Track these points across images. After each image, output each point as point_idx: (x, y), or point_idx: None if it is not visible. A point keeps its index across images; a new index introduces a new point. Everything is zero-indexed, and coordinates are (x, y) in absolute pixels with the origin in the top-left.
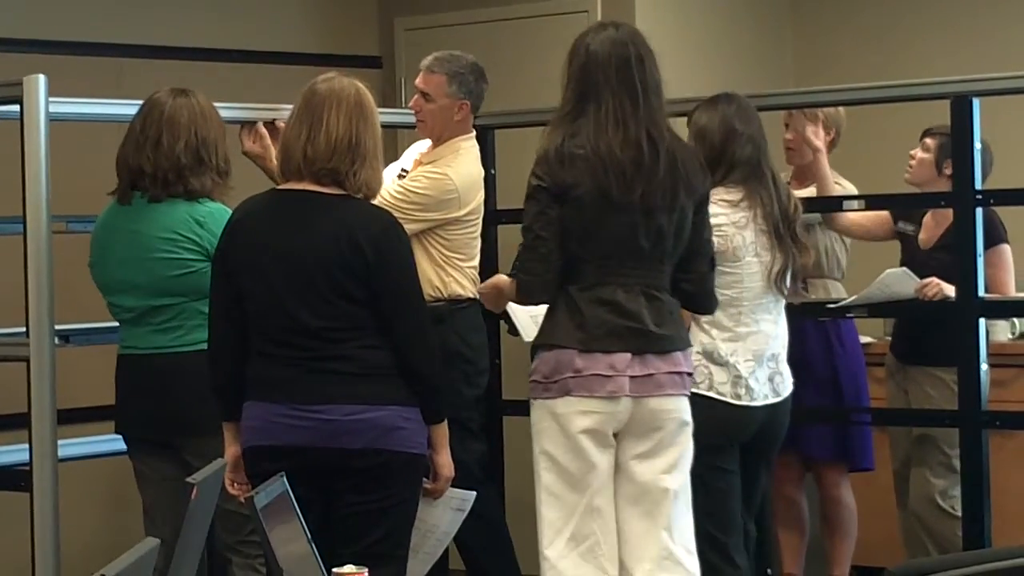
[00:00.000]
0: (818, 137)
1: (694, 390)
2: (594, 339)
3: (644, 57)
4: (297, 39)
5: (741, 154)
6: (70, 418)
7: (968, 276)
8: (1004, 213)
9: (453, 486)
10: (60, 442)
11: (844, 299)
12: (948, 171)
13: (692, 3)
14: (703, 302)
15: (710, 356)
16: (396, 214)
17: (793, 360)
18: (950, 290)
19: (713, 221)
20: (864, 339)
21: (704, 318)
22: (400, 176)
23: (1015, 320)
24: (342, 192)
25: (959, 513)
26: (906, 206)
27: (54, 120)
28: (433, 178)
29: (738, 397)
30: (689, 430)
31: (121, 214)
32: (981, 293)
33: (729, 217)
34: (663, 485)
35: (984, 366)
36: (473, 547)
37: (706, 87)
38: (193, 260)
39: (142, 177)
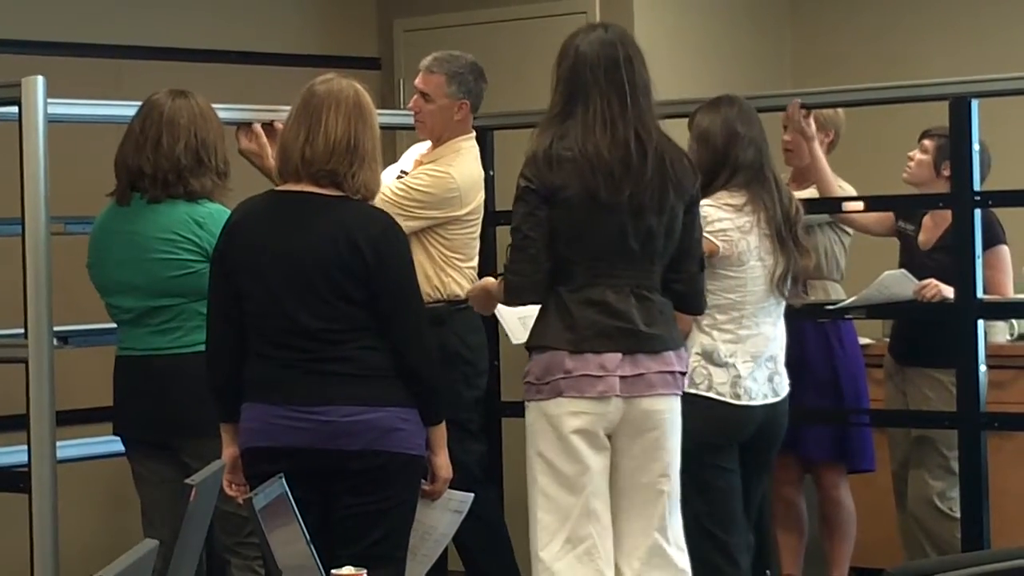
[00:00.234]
0: (809, 126)
1: (694, 391)
2: (584, 340)
3: (633, 58)
4: (296, 40)
5: (744, 157)
6: (69, 419)
7: (967, 277)
8: (1002, 214)
9: (453, 487)
10: (59, 443)
11: (843, 300)
12: (946, 172)
13: (690, 4)
14: (694, 302)
15: (710, 357)
16: (398, 211)
17: (792, 361)
18: (949, 291)
19: (718, 226)
20: (863, 340)
21: (705, 320)
22: (399, 178)
23: (1014, 322)
24: (340, 193)
25: (957, 515)
26: (905, 207)
27: (52, 121)
28: (435, 176)
29: (737, 397)
30: (680, 430)
31: (119, 215)
32: (980, 295)
33: (734, 222)
34: (657, 487)
35: (983, 368)
36: (472, 548)
37: (705, 88)
38: (192, 261)
39: (142, 178)
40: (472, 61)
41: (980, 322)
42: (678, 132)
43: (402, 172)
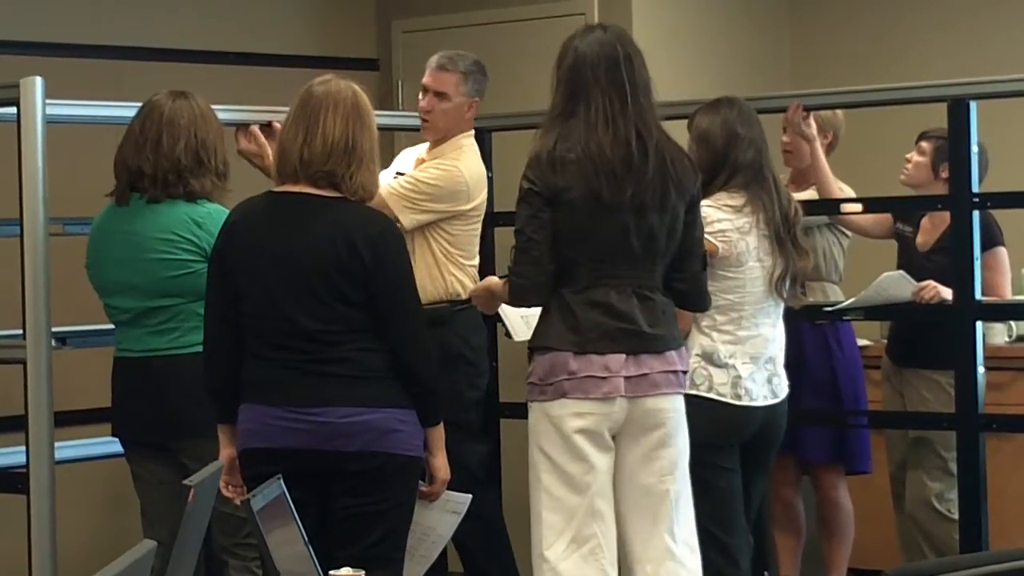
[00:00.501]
0: (810, 127)
1: (694, 392)
2: (588, 341)
3: (632, 56)
4: (295, 42)
5: (743, 158)
6: (67, 420)
7: (965, 279)
8: (999, 216)
9: (455, 488)
10: (57, 444)
11: (841, 302)
12: (944, 174)
13: (689, 5)
14: (697, 301)
15: (709, 358)
16: (406, 204)
17: (791, 363)
18: (947, 293)
19: (717, 227)
20: (861, 342)
21: (704, 322)
22: (397, 176)
23: (1012, 323)
24: (338, 194)
25: (955, 516)
26: (903, 209)
27: (51, 122)
28: (444, 169)
29: (738, 397)
30: (685, 428)
31: (118, 215)
32: (978, 296)
33: (733, 223)
34: (664, 486)
35: (981, 369)
36: (473, 548)
37: (703, 90)
38: (191, 261)
39: (141, 178)
40: (477, 59)
41: (978, 324)
42: (677, 133)
43: (398, 173)
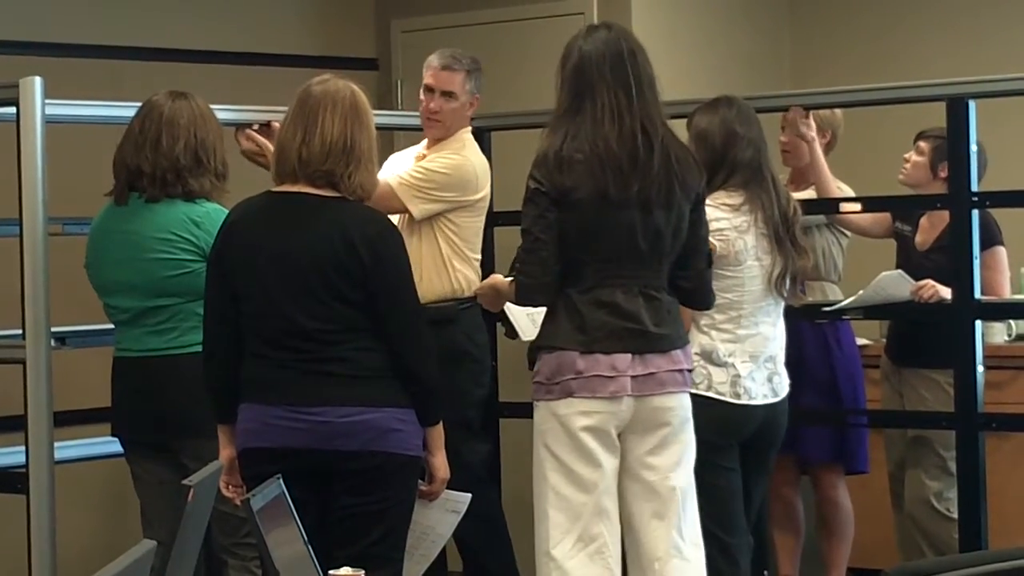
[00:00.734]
0: (810, 129)
1: (694, 391)
2: (595, 341)
3: (636, 52)
4: (294, 41)
5: (742, 157)
6: (66, 420)
7: (964, 278)
8: (998, 215)
9: (458, 487)
10: (56, 444)
11: (840, 301)
12: (943, 174)
13: (688, 4)
14: (702, 299)
15: (708, 357)
16: (416, 193)
17: (790, 362)
18: (946, 292)
19: (715, 225)
20: (860, 341)
21: (704, 320)
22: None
23: (1011, 322)
24: (337, 194)
25: (954, 515)
26: (902, 208)
27: (50, 122)
28: (452, 159)
29: (737, 396)
30: (691, 426)
31: (117, 215)
32: (977, 295)
33: (731, 221)
34: (670, 483)
35: (980, 368)
36: (475, 547)
37: (703, 89)
38: (189, 260)
39: (140, 177)
40: (474, 56)
41: (978, 323)
42: (677, 132)
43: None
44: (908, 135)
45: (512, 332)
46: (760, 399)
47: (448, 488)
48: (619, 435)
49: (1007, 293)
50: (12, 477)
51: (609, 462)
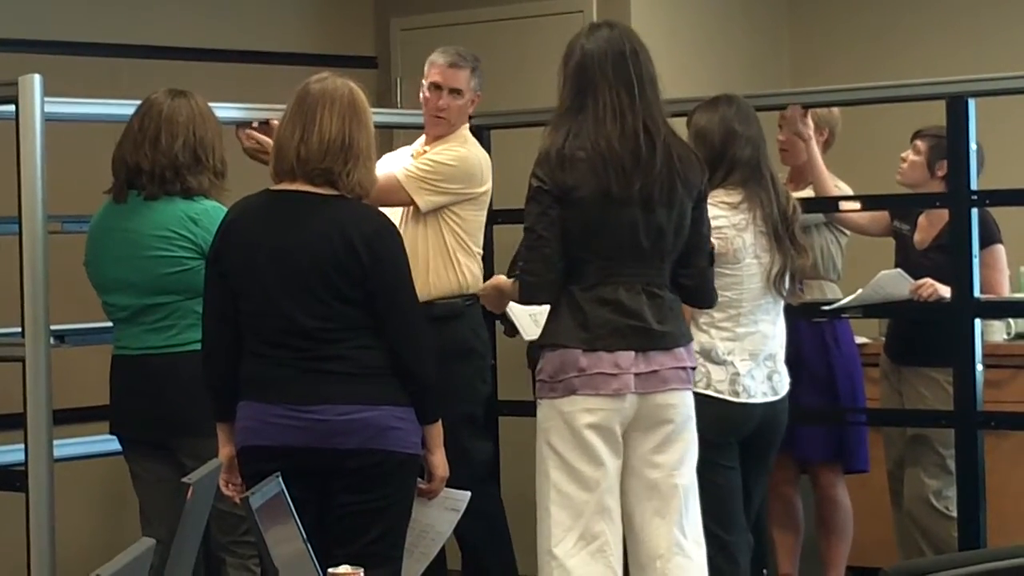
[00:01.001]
0: (808, 127)
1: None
2: (598, 338)
3: (639, 51)
4: (293, 39)
5: (741, 155)
6: (66, 418)
7: (963, 277)
8: (997, 214)
9: (461, 484)
10: (56, 442)
11: (839, 300)
12: (940, 172)
13: (688, 3)
14: (703, 297)
15: (708, 355)
16: (422, 185)
17: (789, 361)
18: (945, 291)
19: (713, 223)
20: (859, 340)
21: (703, 319)
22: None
23: (1010, 321)
24: (335, 192)
25: (953, 513)
26: (902, 206)
27: (49, 120)
28: (458, 151)
29: (736, 394)
30: (694, 424)
31: (116, 213)
32: (977, 294)
33: (729, 219)
34: (673, 481)
35: (979, 367)
36: (475, 545)
37: (702, 87)
38: (187, 258)
39: (139, 175)
40: (476, 55)
41: (977, 321)
42: (677, 131)
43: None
44: (907, 133)
45: (512, 330)
46: (759, 397)
47: (452, 485)
48: (623, 433)
49: (1006, 291)
50: (11, 475)
51: (612, 461)
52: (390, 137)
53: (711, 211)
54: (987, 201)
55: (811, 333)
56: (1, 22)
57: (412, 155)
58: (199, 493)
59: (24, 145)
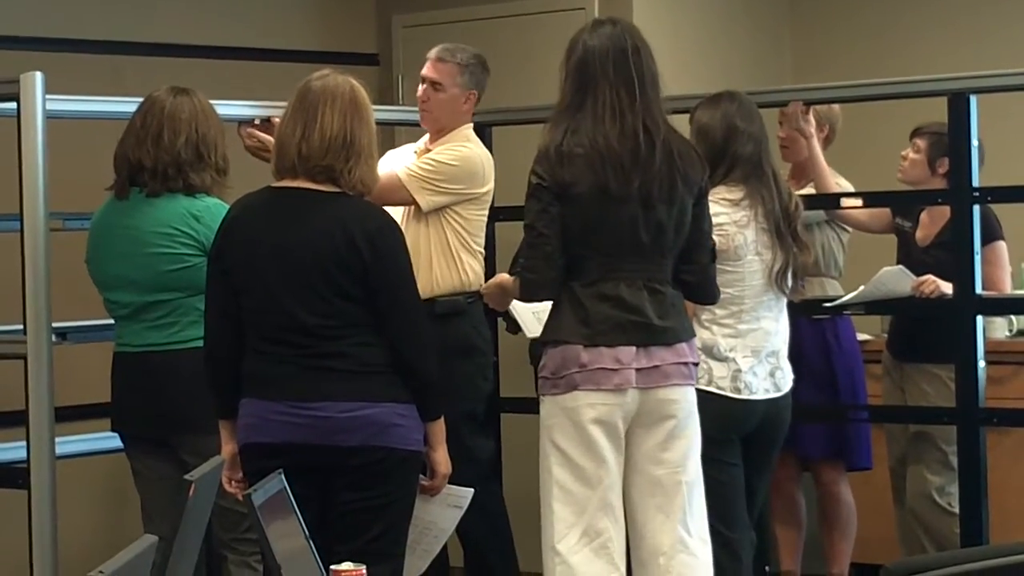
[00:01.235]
0: (809, 124)
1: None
2: (599, 334)
3: (640, 49)
4: (295, 36)
5: (742, 152)
6: (68, 415)
7: (965, 273)
8: (999, 210)
9: (463, 481)
10: (58, 439)
11: (841, 297)
12: (941, 169)
13: (689, 0)
14: (706, 293)
15: (710, 352)
16: (424, 185)
17: (790, 358)
18: (947, 287)
19: (715, 220)
20: (861, 337)
21: (705, 315)
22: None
23: (1012, 317)
24: (337, 189)
25: (956, 510)
26: (904, 203)
27: (51, 118)
28: (460, 151)
29: (738, 391)
30: (696, 420)
31: (118, 209)
32: (979, 290)
33: (731, 216)
34: (676, 478)
35: (981, 363)
36: (477, 542)
37: (704, 84)
38: (189, 255)
39: (141, 172)
40: (478, 53)
41: (979, 318)
42: (679, 127)
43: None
44: (909, 130)
45: (515, 327)
46: (761, 394)
47: (454, 482)
48: (626, 430)
49: (1008, 288)
50: (13, 472)
51: (614, 457)
52: (392, 134)
53: (713, 208)
54: (989, 198)
55: (811, 331)
56: (3, 19)
57: (415, 152)
58: (201, 490)
59: (25, 142)
